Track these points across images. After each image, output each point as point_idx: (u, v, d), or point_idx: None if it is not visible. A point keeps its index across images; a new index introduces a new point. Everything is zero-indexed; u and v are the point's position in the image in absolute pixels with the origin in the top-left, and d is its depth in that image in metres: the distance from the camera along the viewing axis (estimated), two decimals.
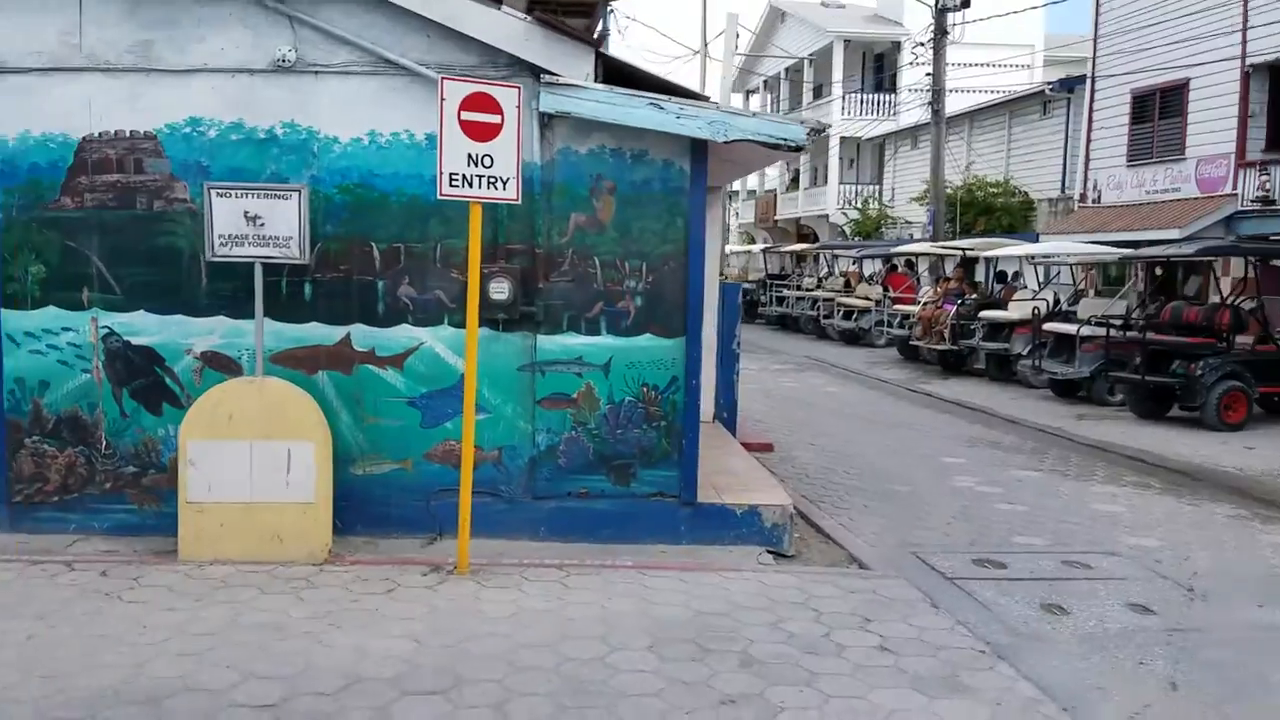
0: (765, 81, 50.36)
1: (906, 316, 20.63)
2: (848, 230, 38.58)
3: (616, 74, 6.62)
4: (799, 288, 28.61)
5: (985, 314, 17.36)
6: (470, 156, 5.73)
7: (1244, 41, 18.78)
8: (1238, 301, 13.68)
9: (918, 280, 24.05)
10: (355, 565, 6.19)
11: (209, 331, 6.50)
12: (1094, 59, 23.65)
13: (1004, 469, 10.13)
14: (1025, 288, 18.46)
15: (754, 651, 5.09)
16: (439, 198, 5.77)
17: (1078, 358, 14.39)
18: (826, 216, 41.52)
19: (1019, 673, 4.95)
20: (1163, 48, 20.81)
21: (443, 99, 5.65)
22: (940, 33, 26.56)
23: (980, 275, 21.10)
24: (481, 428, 6.60)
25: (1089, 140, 23.88)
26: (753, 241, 50.60)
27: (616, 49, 23.99)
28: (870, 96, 41.53)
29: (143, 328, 6.49)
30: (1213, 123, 19.73)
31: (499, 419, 6.62)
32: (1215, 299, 14.53)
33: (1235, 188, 19.01)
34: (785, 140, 6.49)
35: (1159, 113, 21.34)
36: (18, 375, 6.49)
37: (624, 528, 6.71)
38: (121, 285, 6.46)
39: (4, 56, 6.32)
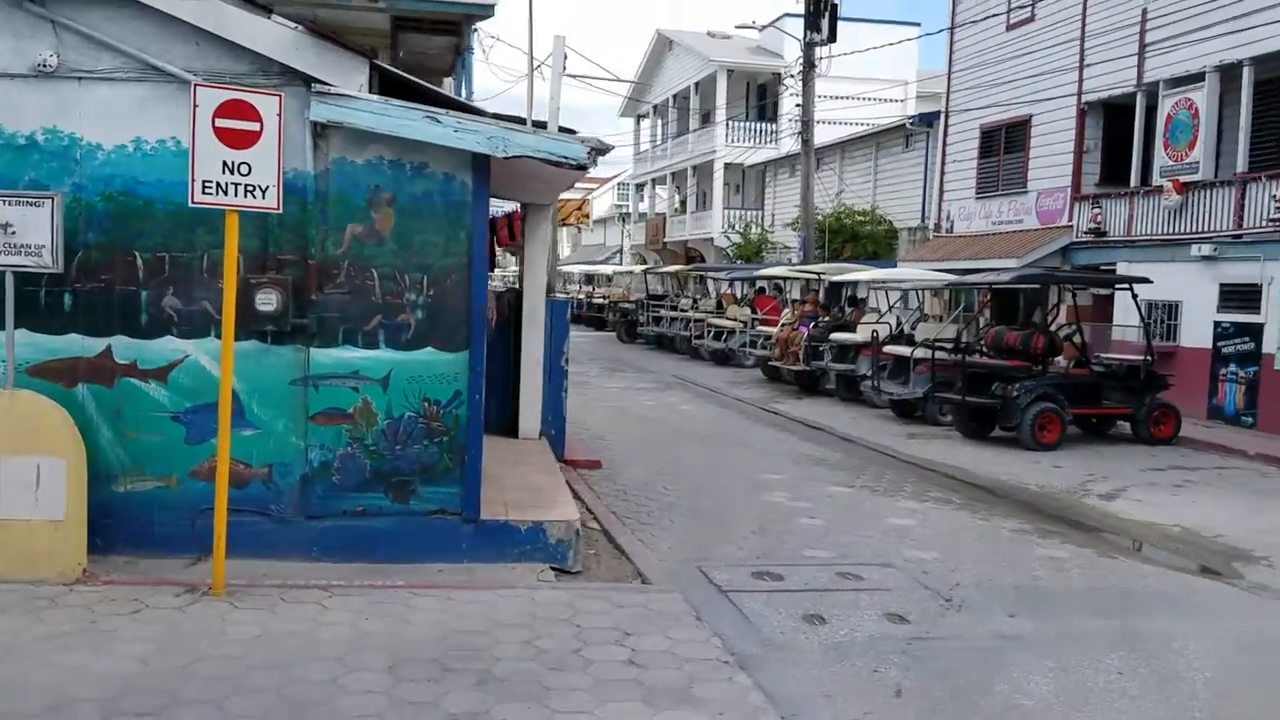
0: (655, 107, 51.09)
1: (769, 337, 21.00)
2: (731, 253, 39.25)
3: (396, 87, 6.59)
4: (674, 308, 28.90)
5: (835, 336, 17.79)
6: (226, 164, 5.61)
7: (1080, 80, 19.77)
8: (1057, 327, 14.30)
9: (784, 302, 24.53)
10: (107, 585, 5.96)
11: None
12: (947, 94, 24.60)
13: (820, 485, 10.35)
14: (874, 311, 18.97)
15: (496, 670, 5.06)
16: (190, 205, 5.64)
17: (912, 379, 14.85)
18: (712, 240, 42.29)
19: (754, 683, 5.03)
20: (1008, 85, 21.77)
21: (195, 105, 5.54)
22: (808, 66, 27.28)
23: (853, 298, 21.67)
24: (251, 444, 6.47)
25: (943, 173, 24.80)
26: (644, 263, 51.11)
27: (480, 68, 23.90)
28: (754, 125, 42.59)
29: None
30: (1052, 157, 20.68)
31: (269, 435, 6.48)
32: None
33: (1071, 219, 19.94)
34: (567, 158, 6.54)
35: (1004, 147, 22.28)
36: None
37: (403, 547, 6.62)
38: None
39: None
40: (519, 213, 10.98)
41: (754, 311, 24.21)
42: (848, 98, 33.88)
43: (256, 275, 6.31)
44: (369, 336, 6.52)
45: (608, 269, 43.89)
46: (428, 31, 19.00)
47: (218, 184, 5.61)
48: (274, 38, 6.17)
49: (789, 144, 36.76)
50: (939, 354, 14.08)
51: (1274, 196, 15.02)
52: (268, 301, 6.27)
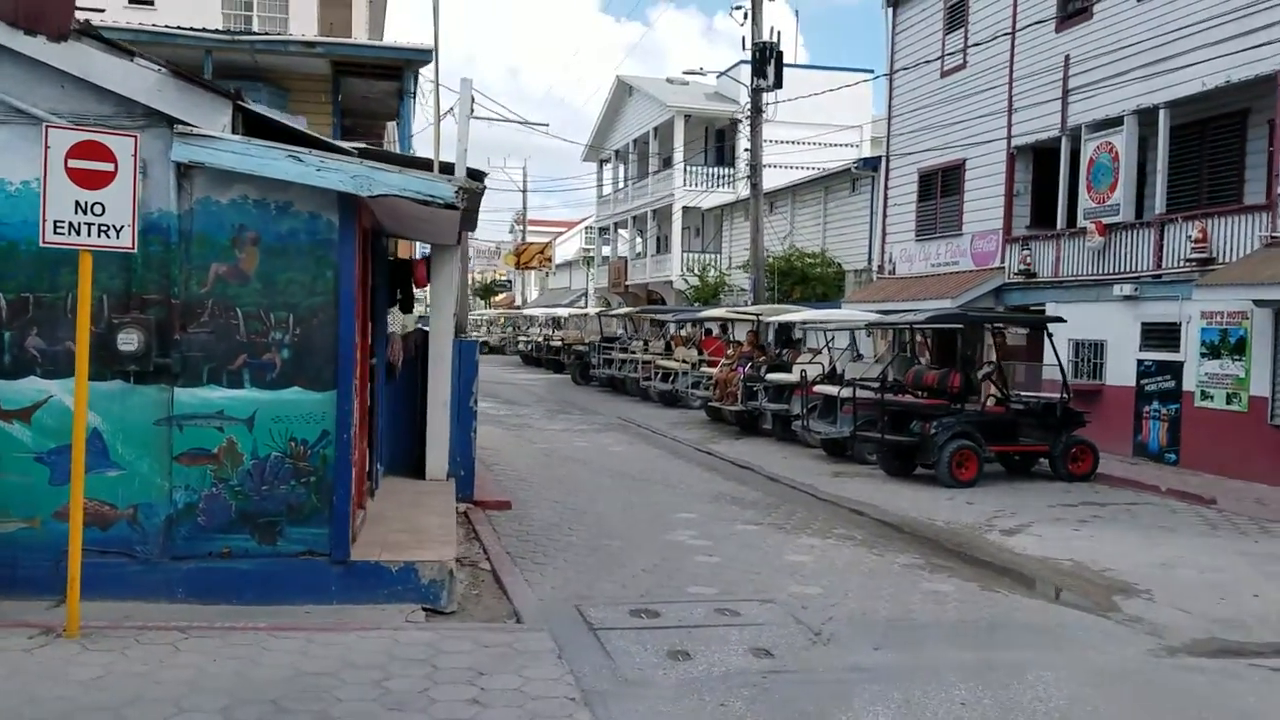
0: (616, 152, 51.76)
1: (711, 378, 21.11)
2: (689, 295, 39.53)
3: (263, 127, 6.66)
4: (625, 350, 29.01)
5: (770, 376, 17.91)
6: (79, 204, 5.65)
7: (1009, 125, 20.19)
8: (979, 366, 14.48)
9: (727, 344, 24.70)
10: None
11: None
12: (888, 139, 25.05)
13: (728, 524, 10.38)
14: (811, 351, 19.13)
15: (334, 710, 5.03)
16: (41, 245, 5.66)
17: (839, 418, 14.95)
18: (671, 282, 42.65)
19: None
20: (944, 130, 22.19)
21: (47, 147, 5.59)
22: (755, 111, 27.73)
23: (789, 339, 21.87)
24: (115, 485, 6.45)
25: (885, 216, 25.18)
26: (608, 305, 51.37)
27: (420, 109, 24.01)
28: (712, 169, 43.16)
29: None
30: (985, 200, 21.05)
31: (134, 476, 6.45)
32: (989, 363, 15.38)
33: (1004, 261, 20.26)
34: (434, 197, 6.62)
35: (941, 191, 22.66)
36: None
37: (270, 588, 6.58)
38: None
39: None
40: None
41: (700, 353, 24.36)
42: (799, 143, 34.44)
43: (119, 315, 6.33)
44: (234, 376, 6.53)
45: (564, 311, 44.03)
46: (369, 76, 19.22)
47: (70, 224, 5.65)
48: (137, 80, 6.24)
49: (745, 187, 37.28)
50: (862, 393, 14.19)
51: (1189, 237, 15.34)
52: (129, 341, 6.28)
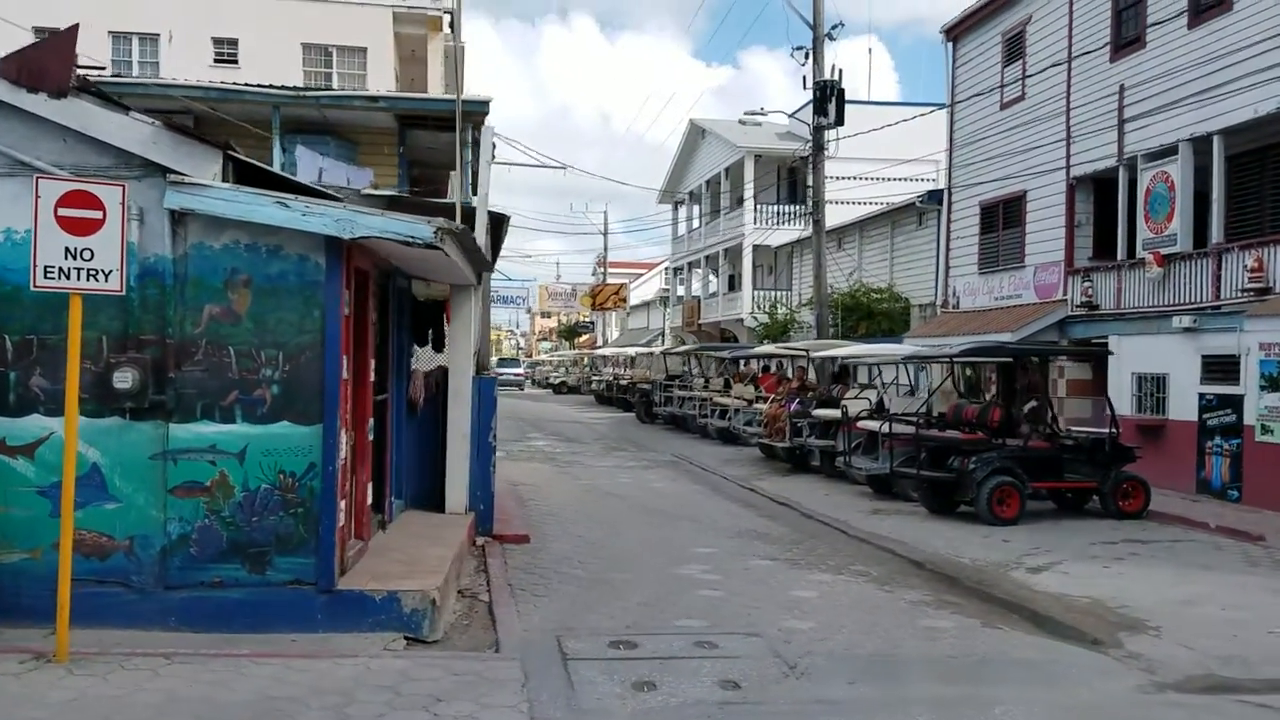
0: (690, 193, 52.32)
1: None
2: (759, 333, 39.49)
3: (254, 176, 6.99)
4: (685, 388, 29.07)
5: (817, 412, 17.75)
6: (69, 250, 6.02)
7: (1068, 155, 19.80)
8: (1030, 401, 14.13)
9: (780, 380, 24.56)
10: None
11: None
12: (950, 172, 24.80)
13: (745, 559, 10.32)
14: (856, 386, 18.92)
15: None
16: (33, 289, 6.03)
17: (881, 454, 14.73)
18: (742, 320, 42.76)
19: None
20: (1004, 162, 21.86)
21: (38, 197, 5.97)
22: (817, 148, 27.79)
23: (841, 374, 21.67)
24: (113, 517, 6.77)
25: (948, 249, 24.85)
26: (683, 344, 51.67)
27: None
28: (780, 207, 43.20)
29: None
30: (1047, 232, 20.62)
31: (130, 508, 6.76)
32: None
33: (1066, 293, 19.78)
34: (413, 238, 6.86)
35: (1003, 223, 22.29)
36: None
37: (259, 617, 6.80)
38: None
39: None
40: None
41: (757, 389, 24.26)
42: (864, 177, 34.31)
43: (117, 354, 6.69)
44: (226, 412, 6.82)
45: (632, 350, 44.34)
46: (432, 128, 19.92)
47: (60, 269, 6.01)
48: (133, 133, 6.64)
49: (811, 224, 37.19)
50: (903, 428, 13.98)
51: (1246, 266, 14.80)
52: (124, 379, 6.62)
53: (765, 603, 8.40)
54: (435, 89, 32.21)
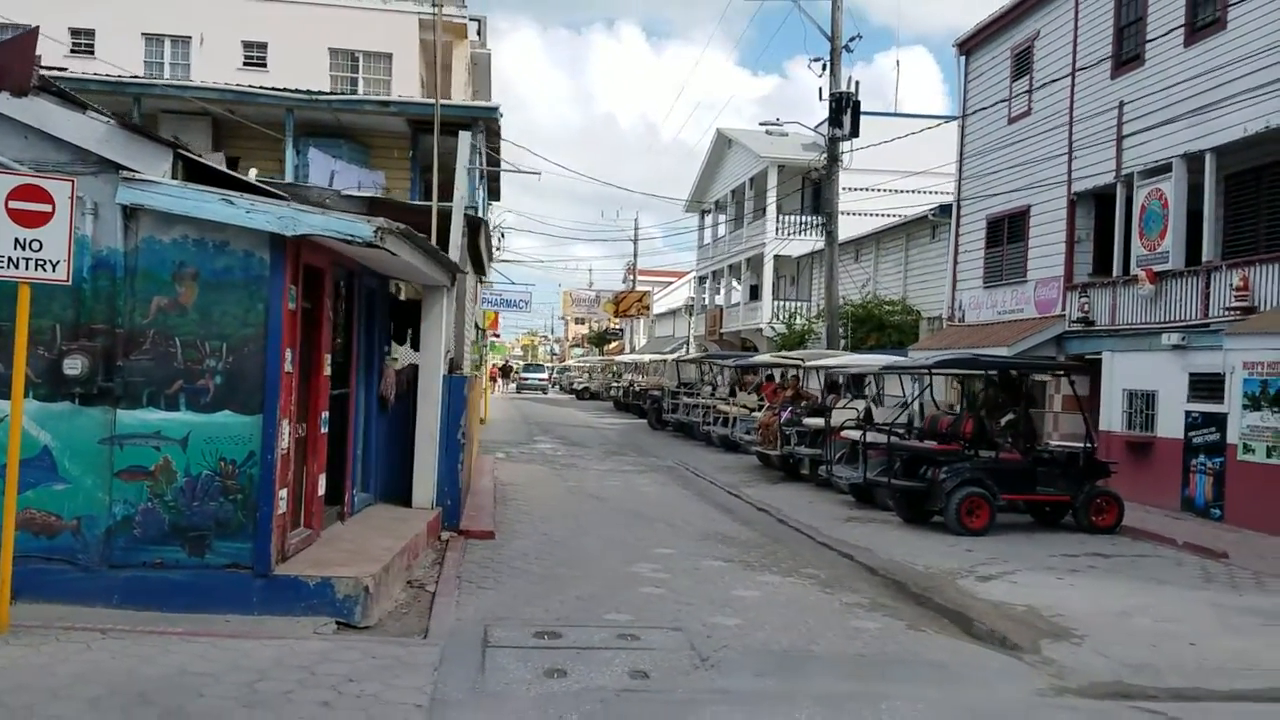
0: (716, 203, 52.63)
1: None
2: (777, 343, 39.59)
3: (204, 174, 7.32)
4: (693, 395, 29.27)
5: (806, 421, 17.88)
6: (18, 241, 6.36)
7: (1069, 171, 19.80)
8: (1006, 413, 14.19)
9: (778, 389, 24.67)
10: None
11: None
12: (959, 186, 24.82)
13: (700, 559, 10.51)
14: (849, 396, 19.02)
15: (190, 705, 5.46)
16: None
17: (861, 463, 14.84)
18: (761, 329, 42.88)
19: None
20: (1010, 176, 21.88)
21: None
22: (831, 160, 27.93)
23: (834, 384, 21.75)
24: (62, 498, 7.11)
25: (955, 262, 24.87)
26: (704, 352, 51.87)
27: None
28: (803, 217, 43.28)
29: None
30: (1048, 247, 20.62)
31: (79, 490, 7.09)
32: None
33: (1064, 309, 19.76)
34: (353, 236, 7.15)
35: (1007, 238, 22.30)
36: None
37: (198, 597, 7.10)
38: None
39: None
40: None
41: (760, 398, 24.39)
42: (882, 190, 34.38)
43: (69, 342, 7.03)
44: (171, 399, 7.14)
45: (647, 357, 44.60)
46: (444, 132, 20.32)
47: (9, 258, 6.36)
48: (89, 131, 6.99)
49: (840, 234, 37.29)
50: (876, 437, 14.09)
51: (1232, 285, 14.76)
52: (74, 366, 6.97)
53: (700, 600, 8.59)
54: (459, 96, 32.74)
